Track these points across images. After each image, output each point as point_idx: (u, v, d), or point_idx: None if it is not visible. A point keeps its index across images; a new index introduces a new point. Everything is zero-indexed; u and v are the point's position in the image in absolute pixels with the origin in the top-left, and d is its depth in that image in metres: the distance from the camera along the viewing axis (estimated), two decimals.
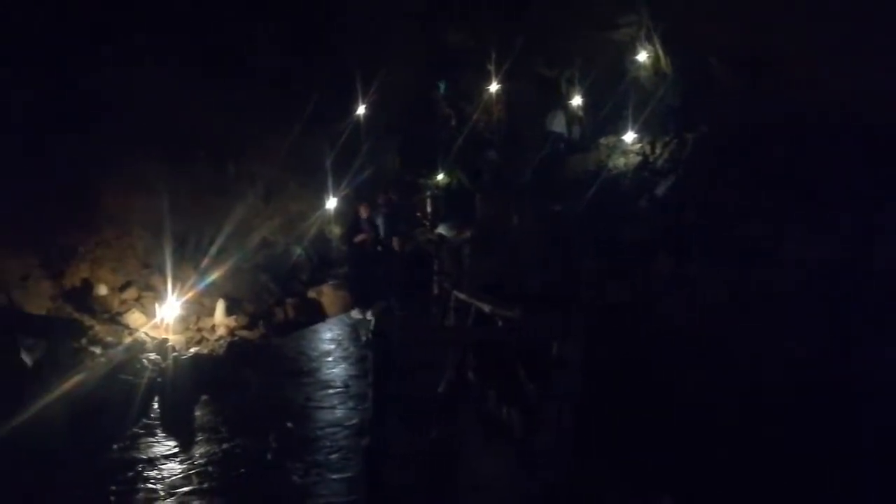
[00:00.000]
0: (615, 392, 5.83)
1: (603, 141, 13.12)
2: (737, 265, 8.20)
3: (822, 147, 8.73)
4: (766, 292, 7.54)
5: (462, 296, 6.36)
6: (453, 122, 16.13)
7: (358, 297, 9.68)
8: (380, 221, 10.54)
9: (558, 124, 14.11)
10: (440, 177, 14.97)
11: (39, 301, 8.48)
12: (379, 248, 10.06)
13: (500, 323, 5.51)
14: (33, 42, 8.36)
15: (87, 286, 9.06)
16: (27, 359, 6.31)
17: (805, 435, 5.00)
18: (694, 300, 8.07)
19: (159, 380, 7.05)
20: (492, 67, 15.94)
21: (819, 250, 7.52)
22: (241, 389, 7.21)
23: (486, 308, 5.66)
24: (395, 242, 9.56)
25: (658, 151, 11.77)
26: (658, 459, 5.02)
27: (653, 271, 9.12)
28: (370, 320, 8.74)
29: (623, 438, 5.26)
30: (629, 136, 12.54)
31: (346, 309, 10.06)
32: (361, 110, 13.90)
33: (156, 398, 6.78)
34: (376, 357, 4.47)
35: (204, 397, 6.93)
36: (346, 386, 7.23)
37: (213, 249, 10.07)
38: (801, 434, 5.04)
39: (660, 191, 10.68)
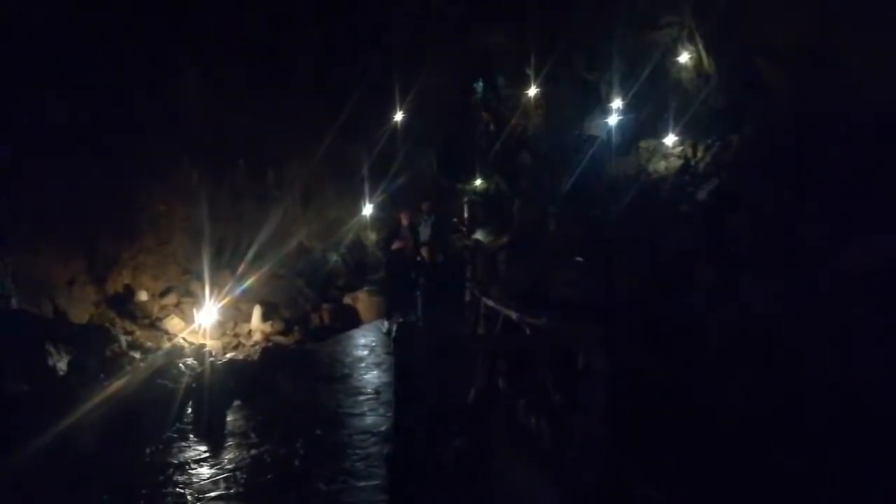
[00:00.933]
0: (651, 403, 5.67)
1: (643, 144, 12.84)
2: (785, 272, 7.92)
3: (875, 149, 8.37)
4: (817, 300, 7.25)
5: (490, 303, 6.27)
6: (491, 127, 16.01)
7: (392, 304, 9.62)
8: (422, 229, 10.41)
9: (597, 128, 13.88)
10: (478, 182, 14.89)
11: (83, 306, 8.75)
12: (419, 257, 9.95)
13: (527, 331, 5.41)
14: (79, 53, 8.62)
15: (129, 292, 9.30)
16: (60, 366, 6.47)
17: (854, 457, 4.75)
18: (739, 309, 7.81)
19: (194, 385, 7.14)
20: (531, 71, 15.80)
21: (873, 256, 7.20)
22: (273, 395, 7.26)
23: (514, 315, 5.56)
24: (425, 251, 9.42)
25: (700, 155, 11.45)
26: (693, 474, 4.86)
27: (695, 278, 8.86)
28: (392, 328, 8.69)
29: (658, 451, 5.10)
30: (670, 139, 12.24)
31: (382, 315, 10.06)
32: (399, 116, 13.92)
33: (190, 403, 6.87)
34: (397, 365, 4.43)
35: (237, 402, 7.00)
36: (377, 392, 7.20)
37: (251, 255, 10.22)
38: (851, 456, 4.79)
39: (701, 195, 10.38)
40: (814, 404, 5.62)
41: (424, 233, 10.12)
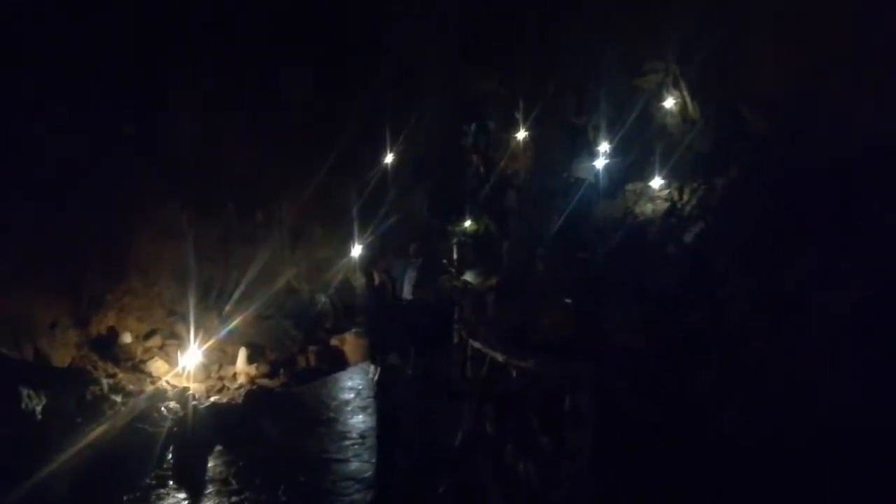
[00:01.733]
0: (638, 446, 5.59)
1: (629, 187, 12.96)
2: (773, 315, 7.91)
3: (861, 193, 8.48)
4: (805, 343, 7.24)
5: (477, 344, 6.22)
6: (481, 169, 16.16)
7: (373, 347, 9.45)
8: (409, 272, 10.28)
9: (585, 171, 14.05)
10: (468, 223, 14.97)
11: (65, 349, 8.59)
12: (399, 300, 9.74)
13: (514, 373, 5.36)
14: (66, 91, 8.64)
15: (113, 334, 9.18)
16: (37, 409, 6.28)
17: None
18: (727, 350, 7.78)
19: (175, 430, 7.00)
20: (520, 115, 16.05)
21: (860, 300, 7.23)
22: (256, 439, 7.12)
23: (500, 357, 5.52)
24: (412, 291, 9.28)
25: (686, 198, 11.57)
26: None
27: (683, 320, 8.84)
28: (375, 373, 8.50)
29: (646, 493, 5.02)
30: (656, 182, 12.38)
31: (368, 357, 9.95)
32: (389, 157, 14.02)
33: (171, 448, 6.72)
34: (380, 409, 4.36)
35: (219, 448, 6.86)
36: (363, 437, 7.06)
37: (238, 296, 10.14)
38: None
39: (688, 237, 10.44)
40: (805, 438, 5.57)
41: (411, 276, 10.08)
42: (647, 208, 12.05)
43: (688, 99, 12.84)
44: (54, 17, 8.61)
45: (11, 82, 8.05)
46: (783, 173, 9.93)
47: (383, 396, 4.20)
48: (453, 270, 13.44)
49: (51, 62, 8.47)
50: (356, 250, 12.30)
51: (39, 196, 8.23)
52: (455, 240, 14.23)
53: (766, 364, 7.15)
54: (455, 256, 13.72)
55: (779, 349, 7.39)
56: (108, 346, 9.03)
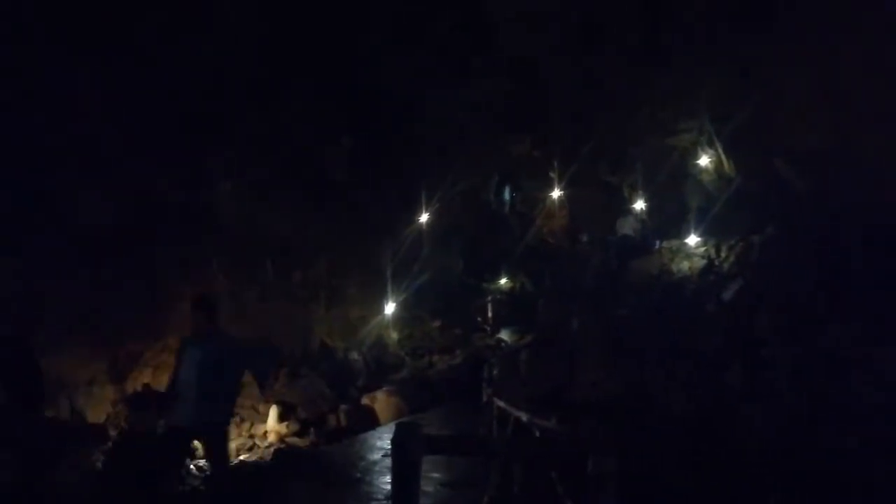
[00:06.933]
0: None
1: (666, 244, 12.87)
2: (818, 375, 7.64)
3: None
4: (853, 405, 6.94)
5: (502, 404, 6.11)
6: (516, 228, 16.24)
7: None
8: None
9: (620, 228, 14.00)
10: (503, 281, 14.94)
11: (101, 406, 8.73)
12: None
13: (537, 433, 5.23)
14: (115, 160, 9.04)
15: (148, 391, 9.28)
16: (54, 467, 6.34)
17: None
18: (770, 413, 7.50)
19: (203, 489, 6.98)
20: (555, 175, 16.18)
21: None
22: (284, 499, 7.04)
23: (524, 417, 5.40)
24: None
25: (723, 254, 11.39)
26: None
27: (723, 381, 8.59)
28: None
29: None
30: (692, 239, 12.28)
31: (399, 416, 9.85)
32: (424, 217, 14.20)
33: None
34: (395, 469, 4.24)
35: None
36: (388, 498, 6.92)
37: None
38: None
39: (727, 295, 10.23)
40: None
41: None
42: (684, 265, 11.91)
43: (723, 156, 12.80)
44: (110, 96, 9.09)
45: (76, 151, 8.44)
46: (821, 230, 9.75)
47: (398, 454, 4.09)
48: (488, 328, 13.38)
49: (109, 134, 8.89)
50: (390, 308, 12.36)
51: (83, 256, 8.52)
52: (490, 297, 14.19)
53: (810, 427, 6.87)
54: (490, 314, 13.66)
55: (824, 411, 7.10)
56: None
